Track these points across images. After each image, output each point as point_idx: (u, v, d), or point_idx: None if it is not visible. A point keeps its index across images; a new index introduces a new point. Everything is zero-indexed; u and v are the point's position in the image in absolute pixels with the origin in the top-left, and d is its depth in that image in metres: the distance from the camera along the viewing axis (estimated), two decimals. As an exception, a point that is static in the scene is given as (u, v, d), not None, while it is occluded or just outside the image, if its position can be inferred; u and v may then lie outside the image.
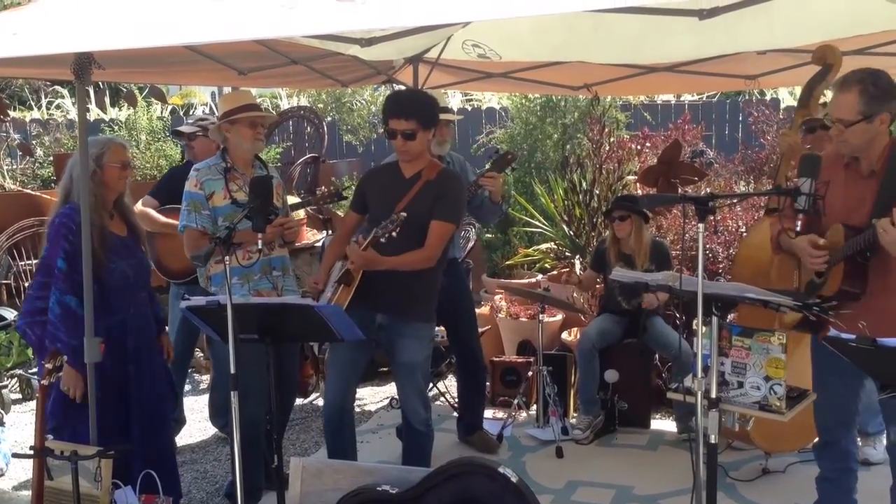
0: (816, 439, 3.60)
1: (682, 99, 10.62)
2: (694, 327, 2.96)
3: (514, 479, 2.38)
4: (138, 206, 4.43)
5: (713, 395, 2.85)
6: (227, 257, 2.94)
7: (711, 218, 2.77)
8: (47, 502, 3.19)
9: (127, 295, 3.48)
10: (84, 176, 3.21)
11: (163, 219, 4.58)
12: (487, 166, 4.78)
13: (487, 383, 5.16)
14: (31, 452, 3.00)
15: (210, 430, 5.13)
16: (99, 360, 3.26)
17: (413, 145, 3.54)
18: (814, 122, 4.13)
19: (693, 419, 4.51)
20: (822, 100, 4.16)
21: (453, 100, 11.05)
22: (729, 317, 4.99)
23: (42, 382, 3.05)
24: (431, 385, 5.21)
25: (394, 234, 3.37)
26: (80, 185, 3.25)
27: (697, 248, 2.78)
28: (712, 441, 2.86)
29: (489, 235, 7.43)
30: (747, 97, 10.57)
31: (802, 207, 2.90)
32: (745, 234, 5.73)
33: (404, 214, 3.36)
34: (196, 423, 5.25)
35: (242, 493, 3.01)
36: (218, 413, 4.98)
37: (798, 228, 2.98)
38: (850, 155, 3.06)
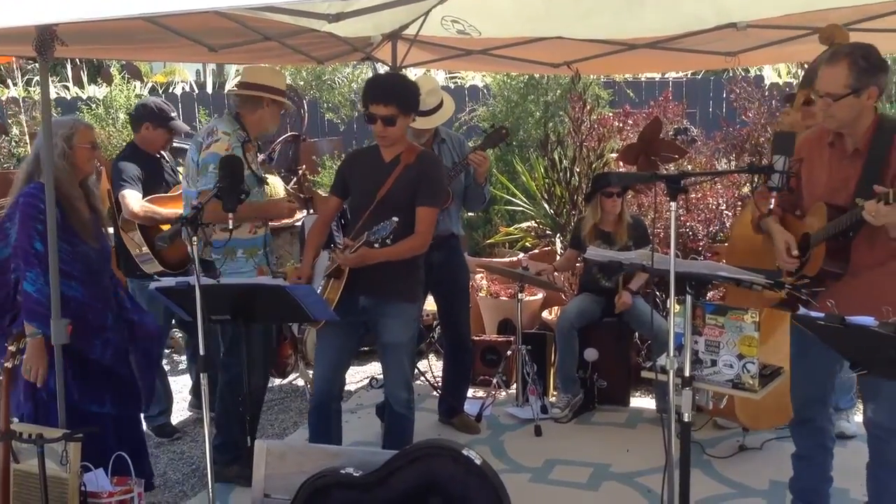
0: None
1: (666, 76, 10.57)
2: (669, 305, 2.95)
3: (477, 462, 2.35)
4: (138, 204, 4.33)
5: (687, 373, 2.83)
6: (193, 238, 2.89)
7: (683, 196, 2.74)
8: (15, 485, 3.16)
9: (90, 278, 3.42)
10: (49, 155, 3.14)
11: (166, 211, 4.42)
12: (471, 143, 4.70)
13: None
14: (-4, 436, 2.96)
15: (187, 412, 5.09)
16: (66, 341, 3.21)
17: (392, 131, 3.51)
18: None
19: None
20: None
21: (436, 77, 10.94)
22: (709, 296, 5.03)
23: (6, 365, 3.00)
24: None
25: (388, 241, 3.32)
26: (46, 165, 3.18)
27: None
28: (686, 419, 2.85)
29: (470, 214, 7.39)
30: (732, 74, 10.52)
31: (776, 185, 2.86)
32: (725, 211, 5.73)
33: (396, 220, 3.31)
34: (174, 403, 5.19)
35: (212, 479, 2.99)
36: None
37: (772, 206, 2.96)
38: (835, 131, 3.02)
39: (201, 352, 3.01)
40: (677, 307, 2.83)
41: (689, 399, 2.85)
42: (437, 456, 2.40)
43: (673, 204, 2.71)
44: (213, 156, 3.73)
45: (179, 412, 5.11)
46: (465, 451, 2.39)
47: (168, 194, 4.56)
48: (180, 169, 4.79)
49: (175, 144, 4.98)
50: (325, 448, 2.62)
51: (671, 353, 2.81)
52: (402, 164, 3.56)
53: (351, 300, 3.56)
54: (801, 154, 3.07)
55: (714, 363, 2.95)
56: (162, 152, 4.71)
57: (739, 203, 5.67)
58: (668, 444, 2.80)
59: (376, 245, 3.32)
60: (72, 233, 3.33)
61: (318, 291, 3.55)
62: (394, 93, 3.48)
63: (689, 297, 2.86)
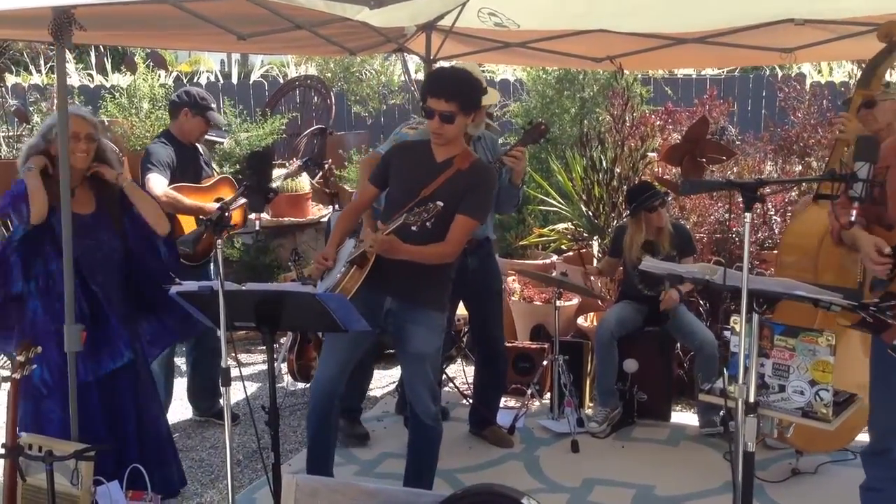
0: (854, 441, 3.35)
1: (702, 73, 10.26)
2: (733, 323, 2.70)
3: (539, 512, 2.10)
4: (161, 188, 4.17)
5: (751, 399, 2.58)
6: (218, 241, 2.67)
7: (759, 205, 2.49)
8: (24, 501, 2.97)
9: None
10: (62, 145, 2.94)
11: (190, 202, 4.30)
12: (502, 139, 4.45)
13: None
14: (3, 452, 2.76)
15: (186, 415, 4.85)
16: (80, 349, 3.01)
17: (450, 129, 3.26)
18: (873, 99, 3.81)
19: (716, 413, 4.28)
20: (884, 79, 3.86)
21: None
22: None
23: (14, 376, 2.80)
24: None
25: (428, 224, 3.07)
26: (60, 157, 2.99)
27: (743, 239, 2.51)
28: (749, 449, 2.60)
29: (499, 215, 7.12)
30: (769, 71, 10.18)
31: (858, 195, 2.60)
32: (774, 216, 5.44)
33: (440, 204, 3.07)
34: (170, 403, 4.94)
35: (233, 491, 2.77)
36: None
37: (853, 218, 2.68)
38: None
39: (223, 364, 2.80)
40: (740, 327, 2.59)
41: (753, 428, 2.60)
42: (493, 504, 2.15)
43: (748, 215, 2.46)
44: (404, 134, 4.19)
45: (181, 413, 4.88)
46: (525, 501, 2.13)
47: (195, 185, 4.43)
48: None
49: (208, 137, 4.86)
50: (362, 486, 2.37)
51: (740, 380, 2.56)
52: (455, 168, 3.31)
53: (376, 300, 3.34)
54: (886, 161, 2.79)
55: (782, 388, 2.70)
56: (197, 144, 4.60)
57: (789, 208, 5.38)
58: (735, 477, 2.55)
59: (414, 228, 3.09)
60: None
61: (338, 278, 3.32)
62: (457, 89, 3.23)
63: (755, 316, 2.61)
